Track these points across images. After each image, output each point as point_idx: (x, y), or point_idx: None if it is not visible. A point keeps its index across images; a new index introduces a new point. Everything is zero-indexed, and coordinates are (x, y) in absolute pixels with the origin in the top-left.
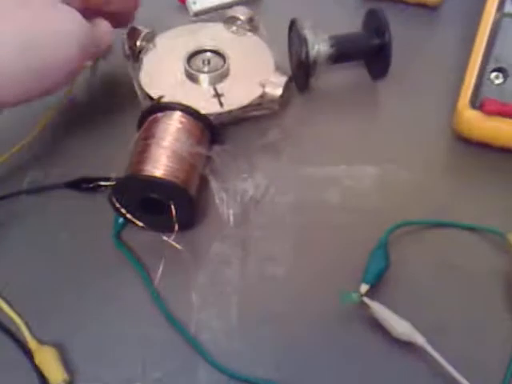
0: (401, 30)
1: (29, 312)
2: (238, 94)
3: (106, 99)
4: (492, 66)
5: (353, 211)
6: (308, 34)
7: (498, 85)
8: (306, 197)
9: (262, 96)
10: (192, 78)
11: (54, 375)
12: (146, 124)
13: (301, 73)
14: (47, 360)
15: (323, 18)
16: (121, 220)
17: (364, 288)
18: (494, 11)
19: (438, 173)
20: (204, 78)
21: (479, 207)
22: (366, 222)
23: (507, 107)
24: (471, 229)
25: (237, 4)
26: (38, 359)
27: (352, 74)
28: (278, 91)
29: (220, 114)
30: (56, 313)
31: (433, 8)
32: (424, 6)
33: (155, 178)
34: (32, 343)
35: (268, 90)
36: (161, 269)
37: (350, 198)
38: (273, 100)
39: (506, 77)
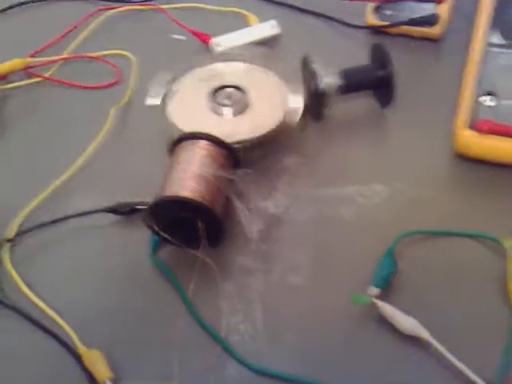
0: (407, 61)
1: (77, 322)
2: (258, 123)
3: (140, 135)
4: (483, 90)
5: (364, 225)
6: (318, 68)
7: (491, 107)
8: (322, 214)
9: (281, 124)
10: (216, 112)
11: (101, 375)
12: (175, 152)
13: (314, 103)
14: (94, 362)
15: (334, 53)
16: (156, 239)
17: (374, 291)
18: (481, 41)
19: (440, 188)
20: (227, 111)
21: (478, 217)
22: (376, 235)
23: (499, 126)
24: (470, 236)
25: (257, 44)
26: (86, 362)
27: (361, 103)
28: (296, 118)
29: (242, 142)
30: (101, 323)
31: (436, 40)
32: (428, 39)
33: (184, 198)
34: (81, 348)
35: (286, 117)
36: (193, 281)
37: (362, 213)
38: (290, 126)
39: (496, 99)
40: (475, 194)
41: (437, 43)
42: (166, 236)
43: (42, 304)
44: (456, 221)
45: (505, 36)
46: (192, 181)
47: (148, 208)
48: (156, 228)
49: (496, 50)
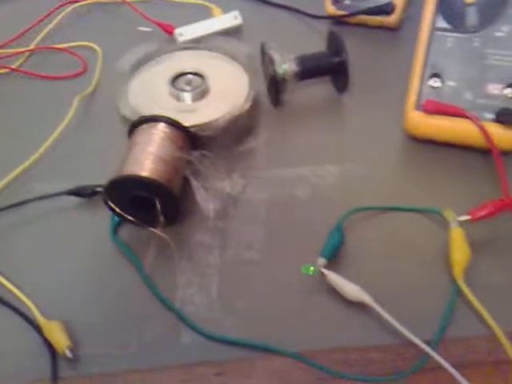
0: (364, 48)
1: (39, 297)
2: (216, 108)
3: (103, 122)
4: (429, 72)
5: (317, 203)
6: (276, 54)
7: (436, 88)
8: (277, 193)
9: (240, 109)
10: (176, 97)
11: (60, 344)
12: (134, 134)
13: (272, 89)
14: (54, 332)
15: (294, 42)
16: (116, 219)
17: (321, 261)
18: (428, 26)
19: (390, 168)
20: (186, 96)
21: (424, 194)
22: (328, 212)
23: (443, 106)
24: (416, 211)
25: (219, 34)
26: (46, 333)
27: (319, 89)
28: (255, 103)
29: (202, 126)
30: (63, 297)
31: (392, 29)
32: (385, 27)
33: (141, 176)
34: (41, 320)
35: (245, 103)
36: (150, 257)
37: (315, 192)
38: (249, 111)
39: (442, 81)
40: (423, 173)
41: (393, 31)
42: (123, 214)
43: (4, 281)
44: (404, 197)
45: (448, 20)
46: (150, 161)
47: (106, 186)
48: (113, 205)
49: (441, 33)
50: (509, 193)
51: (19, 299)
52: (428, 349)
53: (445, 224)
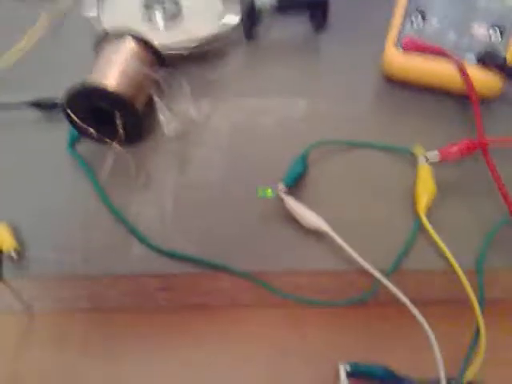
0: None
1: None
2: (187, 31)
3: (73, 42)
4: (413, 9)
5: (283, 134)
6: None
7: (419, 26)
8: (243, 122)
9: (213, 37)
10: (149, 19)
11: (6, 245)
12: (101, 47)
13: (248, 21)
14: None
15: None
16: (74, 133)
17: (280, 186)
18: None
19: (362, 105)
20: (159, 18)
21: (395, 133)
22: (294, 143)
23: (424, 44)
24: (385, 148)
25: None
26: None
27: (296, 25)
28: (229, 32)
29: (174, 50)
30: (10, 200)
31: None
32: None
33: (103, 88)
34: None
35: (219, 31)
36: (106, 169)
37: (282, 123)
38: (222, 40)
39: (425, 19)
40: (396, 113)
41: None
42: (81, 124)
43: None
44: (374, 136)
45: None
46: (114, 73)
47: (66, 95)
48: (71, 114)
49: None
50: (483, 136)
51: None
52: (381, 277)
53: (411, 162)
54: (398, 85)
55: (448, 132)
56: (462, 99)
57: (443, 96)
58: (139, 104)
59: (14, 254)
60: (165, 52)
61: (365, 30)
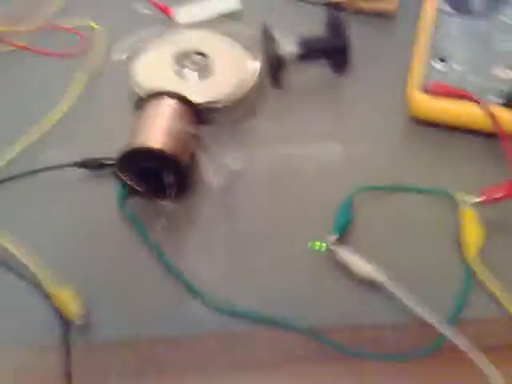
0: (363, 33)
1: (47, 266)
2: (220, 87)
3: (107, 97)
4: (434, 54)
5: (321, 180)
6: (278, 36)
7: (442, 71)
8: (281, 169)
9: (242, 88)
10: (180, 75)
11: (70, 311)
12: (143, 108)
13: (273, 70)
14: (64, 299)
15: (292, 24)
16: (123, 191)
17: (332, 237)
18: (431, 10)
19: (393, 147)
20: (191, 75)
21: (429, 175)
22: (332, 188)
23: (449, 89)
24: (424, 192)
25: (218, 15)
26: (56, 300)
27: (318, 71)
28: (256, 83)
29: (207, 104)
30: (72, 265)
31: (389, 16)
32: (382, 13)
33: (152, 149)
34: (50, 287)
35: (247, 82)
36: (159, 227)
37: (320, 169)
38: (251, 91)
39: (447, 64)
40: (427, 154)
41: (391, 17)
42: (135, 185)
43: (13, 249)
44: (410, 179)
45: (452, 5)
46: (160, 134)
47: (118, 158)
48: (125, 177)
49: (445, 17)
50: None
51: (27, 267)
52: (447, 329)
53: (452, 205)
54: (425, 125)
55: (481, 170)
56: (491, 138)
57: (471, 134)
58: (185, 161)
59: (79, 321)
60: (200, 107)
61: (385, 70)
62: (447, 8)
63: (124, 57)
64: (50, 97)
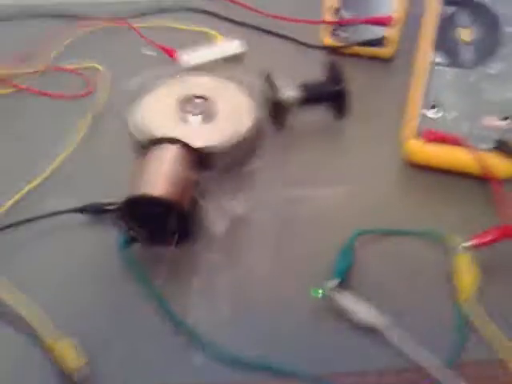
0: (360, 77)
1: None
2: (222, 131)
3: (110, 141)
4: (428, 103)
5: (322, 224)
6: (280, 81)
7: (435, 118)
8: (283, 213)
9: (245, 132)
10: (184, 120)
11: (72, 365)
12: (145, 154)
13: (276, 114)
14: (64, 352)
15: (293, 70)
16: (124, 237)
17: (333, 282)
18: (424, 60)
19: (391, 191)
20: (194, 119)
21: (424, 218)
22: (333, 232)
23: (442, 135)
24: (419, 235)
25: (222, 60)
26: (56, 353)
27: (320, 114)
28: (259, 127)
29: (209, 149)
30: (71, 316)
31: (387, 60)
32: (379, 58)
33: (152, 196)
34: (49, 340)
35: (250, 127)
36: (162, 274)
37: (320, 212)
38: (253, 135)
39: (440, 112)
40: (422, 197)
41: (388, 62)
42: (138, 231)
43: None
44: (405, 221)
45: (444, 56)
46: (162, 180)
47: (122, 205)
48: (127, 224)
49: (436, 67)
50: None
51: (25, 319)
52: (446, 374)
53: (447, 247)
54: (419, 169)
55: (473, 213)
56: (484, 181)
57: (463, 178)
58: (187, 207)
59: (79, 375)
60: (203, 152)
61: (382, 114)
62: (438, 59)
63: (126, 99)
64: (53, 139)
